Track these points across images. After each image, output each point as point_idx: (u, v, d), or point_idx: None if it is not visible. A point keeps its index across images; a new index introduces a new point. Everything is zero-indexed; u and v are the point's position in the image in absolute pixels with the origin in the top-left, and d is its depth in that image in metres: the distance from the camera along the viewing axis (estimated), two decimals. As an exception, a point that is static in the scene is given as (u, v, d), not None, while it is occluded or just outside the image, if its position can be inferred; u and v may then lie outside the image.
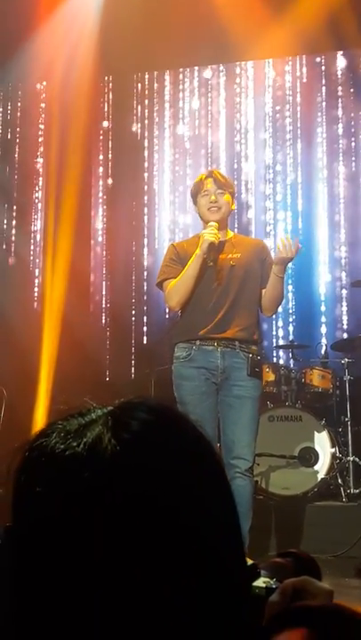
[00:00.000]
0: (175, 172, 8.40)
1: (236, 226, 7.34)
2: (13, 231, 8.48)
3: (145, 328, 8.22)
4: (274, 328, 7.69)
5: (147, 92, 8.52)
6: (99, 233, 8.55)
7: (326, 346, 6.52)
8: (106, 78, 8.56)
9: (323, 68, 7.99)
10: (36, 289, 8.26)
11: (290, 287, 7.45)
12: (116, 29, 7.10)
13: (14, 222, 8.49)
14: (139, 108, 8.53)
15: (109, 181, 8.57)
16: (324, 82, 7.97)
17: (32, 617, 0.73)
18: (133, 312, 8.26)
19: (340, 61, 7.94)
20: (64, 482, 0.73)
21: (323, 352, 6.39)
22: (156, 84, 8.50)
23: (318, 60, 8.01)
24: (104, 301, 8.43)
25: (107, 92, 8.63)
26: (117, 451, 0.73)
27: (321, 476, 5.49)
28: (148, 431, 0.76)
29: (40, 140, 8.51)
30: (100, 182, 8.62)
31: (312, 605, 0.82)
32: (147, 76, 8.51)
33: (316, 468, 5.53)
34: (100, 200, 8.59)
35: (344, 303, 7.61)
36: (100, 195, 8.60)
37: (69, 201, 7.71)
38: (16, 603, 0.74)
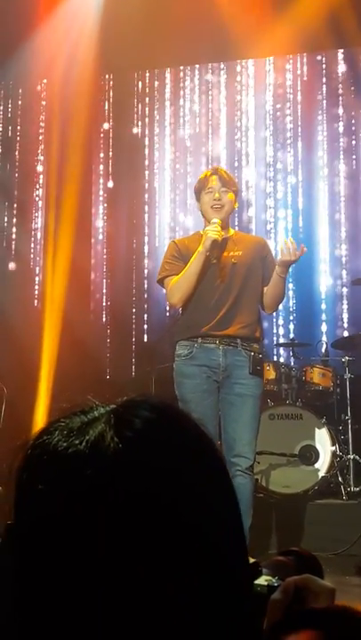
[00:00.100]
0: (176, 170, 8.40)
1: (236, 224, 7.34)
2: (14, 229, 8.47)
3: (145, 326, 8.23)
4: (274, 326, 7.69)
5: (147, 90, 8.51)
6: (99, 231, 8.55)
7: (327, 344, 6.51)
8: (106, 76, 8.55)
9: (323, 66, 7.99)
10: (36, 287, 8.26)
11: (290, 285, 7.45)
12: (117, 27, 7.10)
13: (15, 220, 8.49)
14: (139, 106, 8.53)
15: (110, 181, 8.56)
16: (324, 80, 7.97)
17: (34, 615, 0.73)
18: (134, 310, 8.26)
19: (341, 59, 7.93)
20: (66, 480, 0.73)
21: (323, 350, 6.39)
22: (156, 82, 8.49)
23: (319, 58, 8.01)
24: (104, 299, 8.43)
25: (107, 90, 8.63)
26: (120, 448, 0.73)
27: (321, 474, 5.49)
28: (151, 429, 0.76)
29: (40, 138, 8.51)
30: (101, 180, 8.61)
31: (319, 608, 0.82)
32: (147, 75, 8.51)
33: (316, 466, 5.53)
34: (101, 198, 8.59)
35: (345, 301, 7.61)
36: (101, 193, 8.60)
37: (70, 199, 7.71)
38: (18, 601, 0.74)
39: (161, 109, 8.46)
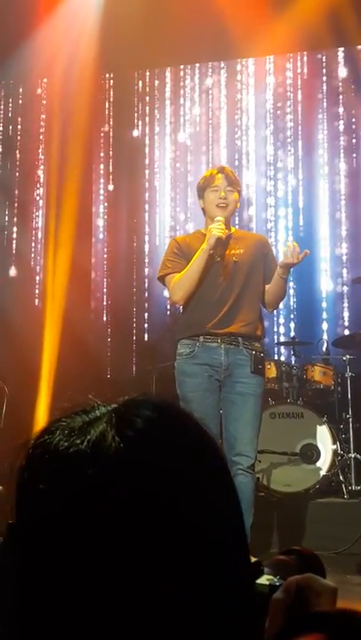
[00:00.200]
0: (176, 169, 8.40)
1: (237, 223, 7.33)
2: (15, 228, 8.47)
3: (146, 325, 8.22)
4: (275, 325, 7.69)
5: (147, 89, 8.51)
6: (100, 230, 8.54)
7: (328, 342, 6.52)
8: (107, 76, 8.55)
9: (324, 64, 7.98)
10: (37, 286, 8.26)
11: (291, 284, 7.44)
12: (117, 27, 7.09)
13: (15, 219, 8.49)
14: (139, 105, 8.52)
15: (110, 179, 8.56)
16: (325, 79, 7.96)
17: (36, 615, 0.73)
18: (134, 309, 8.26)
19: (341, 58, 7.92)
20: (68, 479, 0.73)
21: (324, 349, 6.40)
22: (156, 82, 8.49)
23: (319, 56, 8.00)
24: (105, 298, 8.43)
25: (107, 89, 8.62)
26: (121, 448, 0.73)
27: (323, 472, 5.48)
28: (152, 428, 0.76)
29: (41, 137, 8.51)
30: (101, 179, 8.61)
31: (324, 611, 0.82)
32: (147, 74, 8.50)
33: (317, 464, 5.53)
34: (102, 197, 8.59)
35: (345, 300, 7.61)
36: (101, 192, 8.60)
37: (70, 198, 7.71)
38: (20, 601, 0.74)
39: (161, 108, 8.46)
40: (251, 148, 8.15)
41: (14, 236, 8.47)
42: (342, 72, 7.91)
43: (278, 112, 8.11)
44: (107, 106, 8.63)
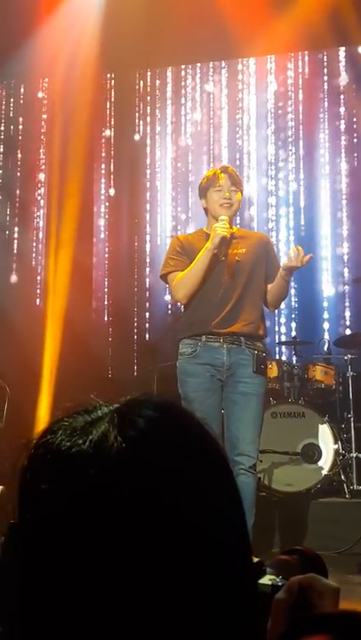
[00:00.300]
0: (177, 168, 8.39)
1: (238, 222, 7.33)
2: (16, 228, 8.48)
3: (147, 325, 8.23)
4: (277, 324, 7.68)
5: (149, 89, 8.51)
6: (101, 230, 8.54)
7: (329, 342, 6.52)
8: (108, 75, 8.55)
9: (325, 63, 7.98)
10: (38, 286, 8.26)
11: (292, 283, 7.42)
12: (118, 26, 7.09)
13: (17, 219, 8.49)
14: (140, 105, 8.52)
15: (111, 179, 8.57)
16: (326, 78, 7.96)
17: (38, 615, 0.73)
18: (135, 309, 8.26)
19: (343, 57, 7.92)
20: (70, 479, 0.73)
21: (325, 348, 6.39)
22: (158, 81, 8.49)
23: (320, 56, 8.00)
24: (106, 298, 8.43)
25: (109, 89, 8.62)
26: (123, 448, 0.73)
27: (324, 472, 5.48)
28: (154, 428, 0.76)
29: (42, 137, 8.51)
30: (103, 179, 8.61)
31: (332, 612, 0.82)
32: (148, 74, 8.50)
33: (319, 464, 5.52)
34: (103, 197, 8.59)
35: (347, 299, 7.61)
36: (102, 191, 8.60)
37: (72, 198, 7.71)
38: (21, 601, 0.74)
39: (162, 108, 8.46)
40: (252, 147, 8.15)
41: (15, 235, 8.47)
42: (343, 71, 7.91)
43: (279, 111, 8.11)
44: (108, 106, 8.63)
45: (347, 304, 7.60)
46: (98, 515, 0.71)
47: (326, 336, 7.11)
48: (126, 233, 8.43)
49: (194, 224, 7.73)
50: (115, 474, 0.72)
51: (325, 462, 5.51)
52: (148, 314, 8.24)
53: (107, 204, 8.56)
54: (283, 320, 7.72)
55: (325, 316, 7.63)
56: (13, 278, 8.30)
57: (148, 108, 8.50)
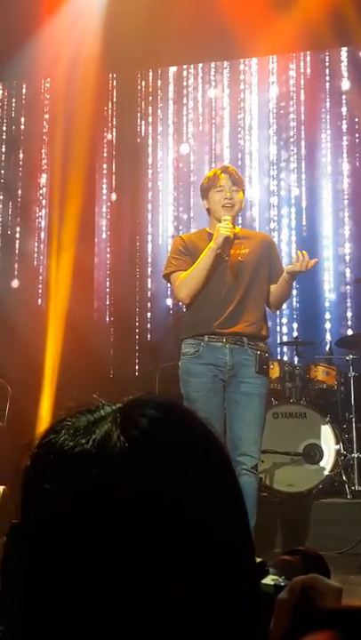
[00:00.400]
0: (179, 168, 8.40)
1: (240, 222, 7.33)
2: (18, 228, 8.48)
3: (149, 325, 8.23)
4: (278, 325, 7.68)
5: (150, 89, 8.51)
6: (103, 230, 8.55)
7: (331, 342, 6.51)
8: (110, 75, 8.55)
9: (327, 64, 7.98)
10: (40, 286, 8.26)
11: (294, 284, 7.42)
12: (120, 26, 7.10)
13: (18, 219, 8.50)
14: (142, 104, 8.52)
15: (113, 179, 8.57)
16: (328, 78, 7.96)
17: (40, 615, 0.73)
18: (137, 309, 8.26)
19: (345, 57, 7.92)
20: (73, 479, 0.73)
21: (327, 348, 6.39)
22: (160, 81, 8.49)
23: (322, 56, 8.00)
24: (108, 298, 8.43)
25: (110, 89, 8.63)
26: (126, 448, 0.73)
27: (326, 472, 5.48)
28: (157, 428, 0.76)
29: (44, 137, 8.51)
30: (104, 179, 8.61)
31: (336, 608, 0.82)
32: (150, 73, 8.50)
33: (320, 464, 5.52)
34: (104, 197, 8.59)
35: (348, 299, 7.60)
36: (104, 191, 8.60)
37: (73, 198, 7.71)
38: (24, 601, 0.74)
39: (164, 108, 8.46)
40: (254, 147, 8.15)
41: (17, 235, 8.48)
42: (345, 75, 7.90)
43: (281, 112, 8.11)
44: (110, 105, 8.63)
45: (348, 304, 7.59)
46: (101, 514, 0.71)
47: (328, 336, 7.11)
48: (128, 233, 8.43)
49: (196, 224, 7.73)
50: (118, 473, 0.72)
51: (327, 463, 5.51)
52: (149, 314, 8.24)
53: (108, 204, 8.57)
54: (284, 320, 7.72)
55: (327, 316, 7.63)
56: (15, 278, 8.30)
57: (150, 107, 8.50)
